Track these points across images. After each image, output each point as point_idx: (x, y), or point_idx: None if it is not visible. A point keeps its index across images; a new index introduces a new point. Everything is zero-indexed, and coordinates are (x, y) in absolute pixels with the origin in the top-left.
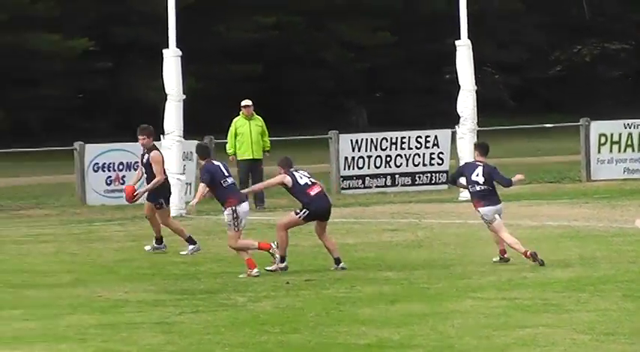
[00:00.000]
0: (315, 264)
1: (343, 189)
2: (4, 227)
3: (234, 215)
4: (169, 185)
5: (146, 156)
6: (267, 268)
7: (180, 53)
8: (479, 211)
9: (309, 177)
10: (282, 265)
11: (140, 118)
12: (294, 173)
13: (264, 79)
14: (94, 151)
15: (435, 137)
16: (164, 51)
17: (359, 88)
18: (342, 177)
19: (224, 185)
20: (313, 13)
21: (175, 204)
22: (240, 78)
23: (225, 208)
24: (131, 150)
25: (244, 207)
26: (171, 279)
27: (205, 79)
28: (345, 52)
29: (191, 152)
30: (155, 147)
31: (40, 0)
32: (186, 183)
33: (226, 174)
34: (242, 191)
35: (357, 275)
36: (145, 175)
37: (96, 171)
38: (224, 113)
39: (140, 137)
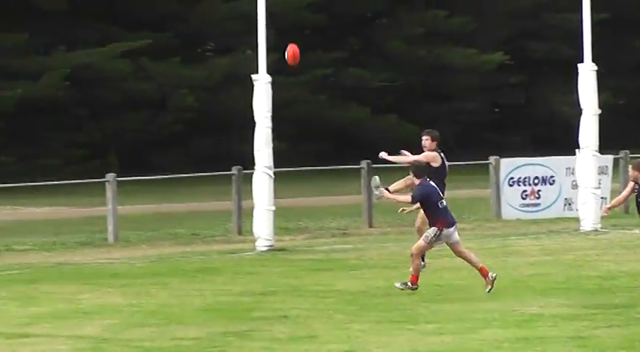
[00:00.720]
0: None
1: None
2: None
3: (437, 234)
4: None
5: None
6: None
7: (595, 68)
8: None
9: None
10: None
11: (554, 133)
12: None
13: None
14: (509, 165)
15: None
16: (579, 65)
17: None
18: None
19: (440, 206)
20: None
21: (592, 219)
22: None
23: (434, 226)
24: (547, 165)
25: (450, 231)
26: (586, 293)
27: (621, 93)
28: None
29: (606, 166)
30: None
31: (455, 15)
32: (601, 198)
33: (441, 195)
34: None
35: None
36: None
37: (511, 186)
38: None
39: (423, 138)
